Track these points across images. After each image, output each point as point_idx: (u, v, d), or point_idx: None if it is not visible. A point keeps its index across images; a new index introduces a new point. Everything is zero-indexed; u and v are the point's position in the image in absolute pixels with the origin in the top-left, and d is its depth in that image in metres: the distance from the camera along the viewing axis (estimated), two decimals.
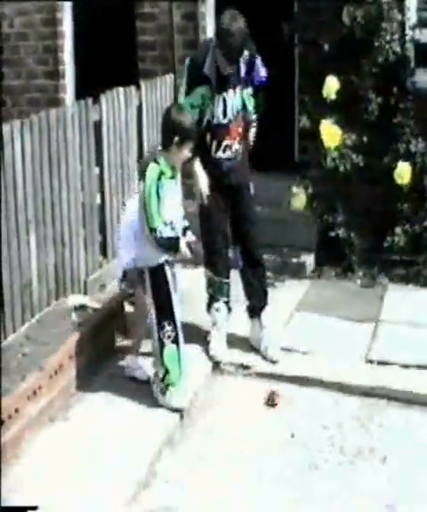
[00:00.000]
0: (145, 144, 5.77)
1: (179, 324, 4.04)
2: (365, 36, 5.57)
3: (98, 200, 5.25)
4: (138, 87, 5.74)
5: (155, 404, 4.05)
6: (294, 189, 5.50)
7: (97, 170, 5.20)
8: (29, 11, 6.81)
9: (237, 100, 4.36)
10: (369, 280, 5.52)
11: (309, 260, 5.65)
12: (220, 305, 4.64)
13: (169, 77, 6.31)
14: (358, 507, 3.51)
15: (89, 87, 5.75)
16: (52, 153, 4.65)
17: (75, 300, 4.72)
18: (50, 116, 4.64)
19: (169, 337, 4.00)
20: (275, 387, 4.32)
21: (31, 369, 3.89)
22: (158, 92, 6.06)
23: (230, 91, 4.33)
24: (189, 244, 4.03)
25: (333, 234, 5.55)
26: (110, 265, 5.35)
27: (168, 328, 4.00)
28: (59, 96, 6.78)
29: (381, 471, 3.76)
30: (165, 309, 4.01)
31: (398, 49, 5.63)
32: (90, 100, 5.10)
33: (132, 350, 4.37)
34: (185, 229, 4.10)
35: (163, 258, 4.00)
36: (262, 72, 4.46)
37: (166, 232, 3.91)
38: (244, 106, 4.39)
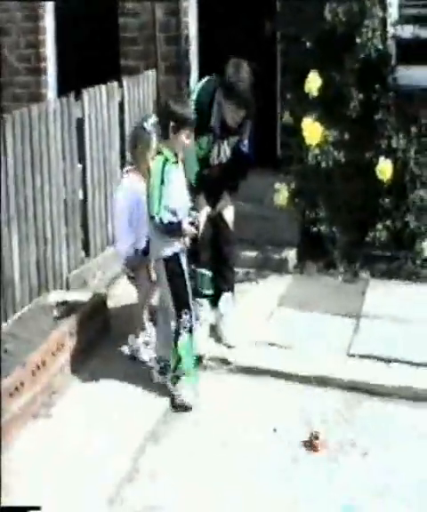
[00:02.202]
0: (127, 141, 5.77)
1: (194, 314, 4.14)
2: (347, 32, 5.57)
3: (80, 196, 5.25)
4: (120, 83, 5.74)
5: (137, 400, 4.06)
6: (277, 186, 5.51)
7: (79, 166, 5.21)
8: (11, 7, 6.78)
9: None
10: (351, 275, 5.55)
11: (291, 255, 5.66)
12: (202, 300, 4.66)
13: (151, 73, 6.31)
14: (339, 500, 3.53)
15: (71, 83, 5.75)
16: (35, 149, 4.65)
17: (57, 296, 4.72)
18: (32, 112, 4.64)
19: (185, 327, 4.07)
20: (316, 429, 3.97)
21: (13, 365, 3.89)
22: (141, 89, 6.07)
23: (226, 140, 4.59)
24: (192, 223, 4.07)
25: (315, 229, 5.57)
26: (92, 262, 5.36)
27: (185, 317, 4.07)
28: (41, 92, 6.76)
29: (362, 464, 3.79)
30: (182, 299, 4.07)
31: (379, 45, 5.65)
32: (72, 97, 5.10)
33: (135, 331, 4.47)
34: (191, 210, 4.17)
35: (176, 248, 4.05)
36: (246, 142, 4.62)
37: (167, 217, 3.96)
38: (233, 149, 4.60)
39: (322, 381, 4.37)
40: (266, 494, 3.56)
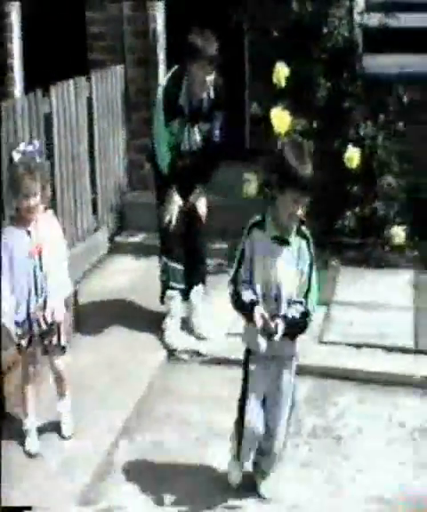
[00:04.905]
0: (96, 135, 5.78)
1: (249, 425, 3.36)
2: (314, 22, 5.60)
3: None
4: (88, 78, 5.74)
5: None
6: (246, 176, 5.53)
7: (48, 162, 5.19)
8: None
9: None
10: (321, 263, 5.56)
11: None
12: (174, 293, 4.68)
13: (119, 68, 6.31)
14: (314, 485, 3.58)
15: (39, 78, 5.73)
16: (2, 146, 4.63)
17: None
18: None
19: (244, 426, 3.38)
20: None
21: None
22: (109, 83, 6.06)
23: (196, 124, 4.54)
24: (263, 317, 3.13)
25: None
26: None
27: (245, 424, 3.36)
28: (7, 89, 6.72)
29: (336, 450, 3.84)
30: (239, 406, 3.39)
31: (346, 34, 5.68)
32: (40, 93, 5.08)
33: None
34: (290, 303, 3.22)
35: (251, 343, 3.27)
36: (217, 132, 4.59)
37: (245, 294, 3.19)
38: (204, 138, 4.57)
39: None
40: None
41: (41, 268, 3.51)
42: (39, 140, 4.09)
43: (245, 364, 3.33)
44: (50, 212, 3.65)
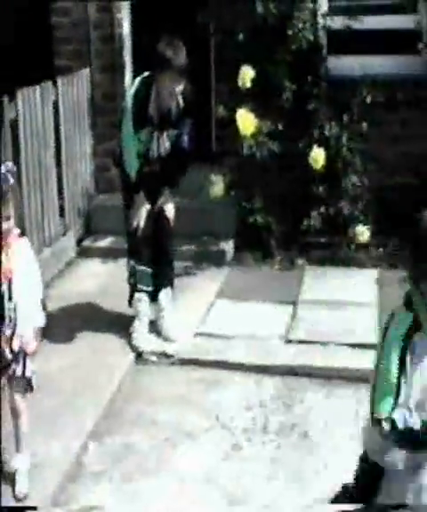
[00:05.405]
0: (63, 140, 5.80)
1: None
2: (278, 24, 5.66)
3: None
4: (54, 83, 5.76)
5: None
6: (212, 178, 5.59)
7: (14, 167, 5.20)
8: None
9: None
10: (288, 263, 5.65)
11: (228, 247, 5.74)
12: (141, 295, 4.71)
13: (85, 72, 6.32)
14: (282, 481, 3.63)
15: (4, 84, 5.74)
16: None
17: None
18: None
19: None
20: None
21: None
22: (75, 88, 6.08)
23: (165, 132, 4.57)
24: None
25: (251, 220, 5.65)
26: None
27: None
28: None
29: (302, 446, 3.90)
30: None
31: (310, 37, 5.74)
32: (6, 98, 5.09)
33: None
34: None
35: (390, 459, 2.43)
36: (185, 138, 4.61)
37: (401, 421, 2.30)
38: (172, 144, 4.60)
39: (262, 369, 4.46)
40: (207, 483, 3.62)
41: (10, 297, 3.31)
42: (7, 161, 3.77)
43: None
44: (25, 238, 3.45)
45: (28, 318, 3.38)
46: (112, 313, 5.00)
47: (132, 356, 4.59)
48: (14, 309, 3.33)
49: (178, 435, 3.97)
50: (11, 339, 3.35)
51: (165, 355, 4.58)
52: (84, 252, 5.89)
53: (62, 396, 4.12)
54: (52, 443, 3.77)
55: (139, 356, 4.59)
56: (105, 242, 5.93)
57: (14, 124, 5.17)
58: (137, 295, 4.72)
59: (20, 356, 3.40)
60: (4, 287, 3.30)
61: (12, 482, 3.48)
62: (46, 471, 3.60)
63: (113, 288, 5.13)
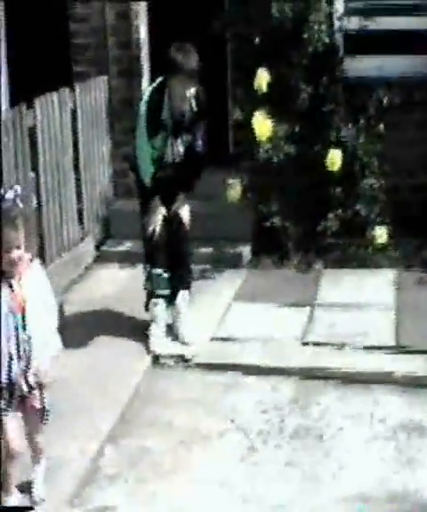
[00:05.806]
0: (81, 146, 5.86)
1: None
2: (294, 27, 5.68)
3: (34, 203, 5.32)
4: (72, 90, 5.82)
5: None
6: (229, 181, 5.61)
7: (32, 174, 5.28)
8: None
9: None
10: (305, 266, 5.65)
11: (245, 250, 5.76)
12: (158, 299, 4.75)
13: (103, 79, 6.38)
14: (296, 483, 3.64)
15: (24, 90, 5.80)
16: None
17: None
18: None
19: None
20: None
21: None
22: (93, 94, 6.14)
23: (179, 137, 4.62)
24: None
25: (268, 223, 5.67)
26: (47, 269, 5.38)
27: None
28: None
29: (317, 448, 3.90)
30: None
31: (326, 39, 5.76)
32: (24, 106, 5.15)
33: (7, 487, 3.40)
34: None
35: None
36: (199, 142, 4.66)
37: None
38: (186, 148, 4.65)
39: (278, 371, 4.47)
40: (223, 485, 3.63)
41: (24, 327, 3.20)
42: (20, 185, 3.60)
43: None
44: (37, 263, 3.31)
45: (44, 347, 3.28)
46: (130, 317, 5.04)
47: (148, 359, 4.62)
48: (28, 341, 3.23)
49: (194, 438, 3.99)
50: (25, 371, 3.26)
51: (181, 358, 4.60)
52: (102, 257, 5.93)
53: (79, 399, 4.16)
54: (68, 445, 3.81)
55: (156, 359, 4.62)
56: (124, 246, 5.97)
57: (33, 131, 5.24)
58: (154, 299, 4.75)
59: (36, 387, 3.31)
60: (19, 318, 3.19)
61: (29, 489, 3.50)
62: (63, 473, 3.63)
63: (131, 293, 5.16)
